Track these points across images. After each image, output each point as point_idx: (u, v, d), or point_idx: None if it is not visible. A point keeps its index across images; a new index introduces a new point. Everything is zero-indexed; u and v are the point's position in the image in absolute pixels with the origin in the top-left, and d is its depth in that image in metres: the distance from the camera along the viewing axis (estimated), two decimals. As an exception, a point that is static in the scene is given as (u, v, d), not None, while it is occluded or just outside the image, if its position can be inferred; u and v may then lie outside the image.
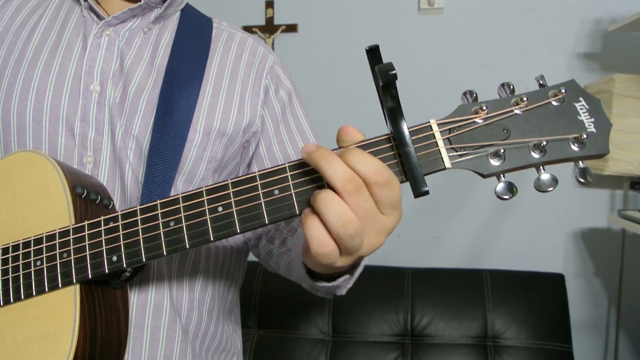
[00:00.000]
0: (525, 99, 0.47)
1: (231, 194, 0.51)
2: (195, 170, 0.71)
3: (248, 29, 1.94)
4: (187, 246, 0.51)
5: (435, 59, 1.86)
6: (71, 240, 0.56)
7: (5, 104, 0.68)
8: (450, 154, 0.47)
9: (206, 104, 0.72)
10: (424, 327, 1.58)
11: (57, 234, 0.56)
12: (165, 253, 0.52)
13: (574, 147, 0.47)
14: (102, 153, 0.69)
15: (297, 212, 0.49)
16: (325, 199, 0.43)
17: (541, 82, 0.49)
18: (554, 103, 0.48)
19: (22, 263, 0.57)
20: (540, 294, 1.59)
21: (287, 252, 0.74)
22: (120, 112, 0.69)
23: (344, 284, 0.64)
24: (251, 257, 0.92)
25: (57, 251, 0.56)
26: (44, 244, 0.57)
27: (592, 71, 1.78)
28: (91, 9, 0.72)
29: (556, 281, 1.62)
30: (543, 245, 1.84)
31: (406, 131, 0.46)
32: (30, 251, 0.57)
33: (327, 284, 0.62)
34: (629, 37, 1.75)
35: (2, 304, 0.57)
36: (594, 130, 0.47)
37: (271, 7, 1.93)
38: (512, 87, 0.48)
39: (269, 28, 1.94)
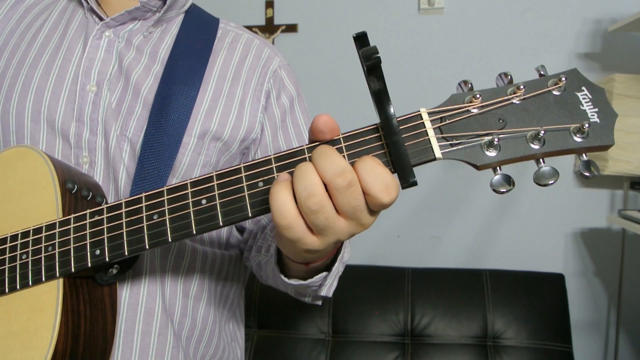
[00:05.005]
0: (522, 87, 0.45)
1: (215, 186, 0.49)
2: (190, 175, 0.70)
3: (248, 29, 1.94)
4: (170, 240, 0.50)
5: (435, 59, 1.86)
6: (57, 233, 0.55)
7: (5, 104, 0.68)
8: (441, 143, 0.45)
9: (205, 107, 0.71)
10: (424, 327, 1.58)
11: (44, 227, 0.56)
12: (147, 247, 0.51)
13: (576, 138, 0.44)
14: (97, 153, 0.68)
15: None
16: (301, 169, 0.43)
17: (542, 72, 0.47)
18: (555, 92, 0.45)
19: (8, 256, 0.57)
20: (540, 294, 1.59)
21: (271, 259, 0.74)
22: (117, 114, 0.68)
23: (324, 282, 0.62)
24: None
25: (43, 244, 0.55)
26: (30, 237, 0.56)
27: (592, 71, 1.78)
28: (92, 11, 0.72)
29: (556, 281, 1.62)
30: (543, 245, 1.84)
31: (393, 118, 0.44)
32: (17, 244, 0.57)
33: (303, 282, 0.61)
34: (629, 37, 1.75)
35: None
36: (597, 120, 0.44)
37: (271, 7, 1.93)
38: (510, 77, 0.46)
39: (269, 28, 1.94)
